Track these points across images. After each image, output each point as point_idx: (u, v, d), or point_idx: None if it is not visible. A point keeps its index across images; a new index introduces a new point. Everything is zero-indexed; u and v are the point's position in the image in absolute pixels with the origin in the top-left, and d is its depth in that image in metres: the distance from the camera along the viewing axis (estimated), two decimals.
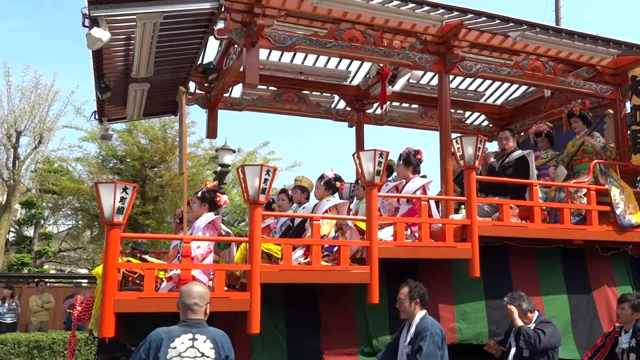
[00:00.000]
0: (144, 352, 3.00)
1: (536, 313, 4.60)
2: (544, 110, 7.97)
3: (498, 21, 5.66)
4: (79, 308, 4.96)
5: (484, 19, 5.60)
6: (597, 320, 5.90)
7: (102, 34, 4.31)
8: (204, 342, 3.04)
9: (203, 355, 3.01)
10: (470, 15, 5.55)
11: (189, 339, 3.02)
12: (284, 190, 6.36)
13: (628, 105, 6.52)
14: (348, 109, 8.04)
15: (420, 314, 4.22)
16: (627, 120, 6.55)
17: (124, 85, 6.04)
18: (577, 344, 5.67)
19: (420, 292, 4.24)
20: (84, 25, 4.35)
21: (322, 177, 5.66)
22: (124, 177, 14.66)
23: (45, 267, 20.03)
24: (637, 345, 4.79)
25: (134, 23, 4.56)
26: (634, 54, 6.39)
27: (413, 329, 4.15)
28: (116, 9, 4.29)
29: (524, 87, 8.00)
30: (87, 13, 4.28)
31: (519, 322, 4.44)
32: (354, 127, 8.05)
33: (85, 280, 14.72)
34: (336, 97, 7.97)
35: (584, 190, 6.03)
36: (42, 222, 19.71)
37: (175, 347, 2.98)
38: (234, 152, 12.55)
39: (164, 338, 3.00)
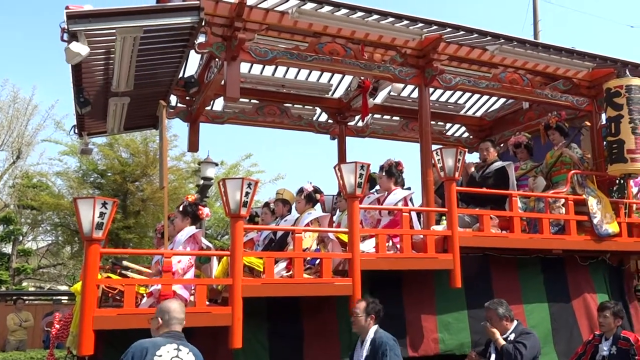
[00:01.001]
0: None
1: (515, 322, 4.61)
2: (523, 122, 8.09)
3: (476, 35, 5.76)
4: (57, 326, 4.88)
5: (462, 32, 5.69)
6: (577, 328, 5.97)
7: (81, 49, 4.28)
8: (187, 353, 3.17)
9: None
10: (448, 30, 5.63)
11: (174, 349, 3.14)
12: (267, 204, 6.36)
13: (604, 116, 6.65)
14: (330, 121, 8.09)
15: (374, 328, 4.22)
16: (602, 131, 6.68)
17: (104, 99, 6.01)
18: (558, 352, 5.72)
19: (377, 309, 4.27)
20: (62, 40, 4.33)
21: (301, 190, 5.68)
22: (105, 191, 14.51)
23: (24, 284, 19.65)
24: (617, 353, 4.84)
25: (114, 37, 4.54)
26: (608, 66, 6.54)
27: (368, 344, 4.14)
28: (95, 24, 4.27)
29: (502, 99, 8.13)
30: (66, 27, 4.25)
31: (501, 342, 4.41)
32: (336, 140, 8.09)
33: (66, 298, 14.45)
34: (318, 110, 8.01)
35: (563, 201, 6.12)
36: (21, 238, 19.34)
37: (161, 356, 3.07)
38: (216, 165, 12.50)
39: (148, 347, 3.07)
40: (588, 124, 6.80)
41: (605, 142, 6.50)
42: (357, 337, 5.04)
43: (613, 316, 4.94)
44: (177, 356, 3.12)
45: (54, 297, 14.46)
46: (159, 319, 3.27)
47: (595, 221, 6.04)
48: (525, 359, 4.30)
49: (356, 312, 4.25)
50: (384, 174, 5.83)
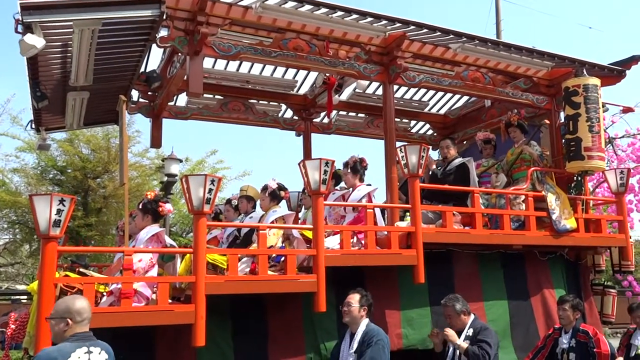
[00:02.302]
0: None
1: (472, 316, 4.70)
2: (485, 120, 8.23)
3: (439, 33, 5.81)
4: (12, 326, 4.73)
5: (425, 30, 5.74)
6: (534, 323, 6.12)
7: (37, 41, 4.13)
8: (99, 353, 2.99)
9: None
10: (412, 27, 5.67)
11: (85, 352, 2.93)
12: (229, 201, 6.29)
13: (562, 115, 6.82)
14: (295, 118, 8.07)
15: (366, 321, 4.30)
16: (561, 129, 6.85)
17: (62, 94, 5.83)
18: (515, 347, 5.86)
19: (369, 302, 4.38)
20: (17, 32, 4.17)
21: (265, 187, 5.64)
22: (65, 188, 14.12)
23: None
24: (576, 345, 4.97)
25: (71, 30, 4.40)
26: (566, 66, 6.71)
27: (359, 336, 4.20)
28: (51, 15, 4.12)
29: (465, 97, 8.25)
30: (20, 19, 4.10)
31: (464, 345, 4.48)
32: (302, 136, 8.07)
33: (24, 297, 14.03)
34: (283, 106, 7.98)
35: (523, 197, 6.25)
36: None
37: None
38: (180, 161, 12.33)
39: (57, 357, 2.84)
40: (547, 122, 6.97)
41: (563, 140, 6.67)
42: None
43: (572, 309, 5.07)
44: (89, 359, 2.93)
45: (12, 297, 14.03)
46: (68, 320, 2.98)
47: (554, 217, 6.19)
48: (491, 356, 4.39)
49: (350, 303, 4.30)
50: (349, 170, 5.84)
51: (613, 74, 6.90)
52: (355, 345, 4.17)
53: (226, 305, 4.81)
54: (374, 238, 5.21)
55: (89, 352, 2.94)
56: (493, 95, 6.84)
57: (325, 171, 4.83)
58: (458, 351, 4.54)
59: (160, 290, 4.33)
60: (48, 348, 2.96)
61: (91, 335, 3.05)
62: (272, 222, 5.29)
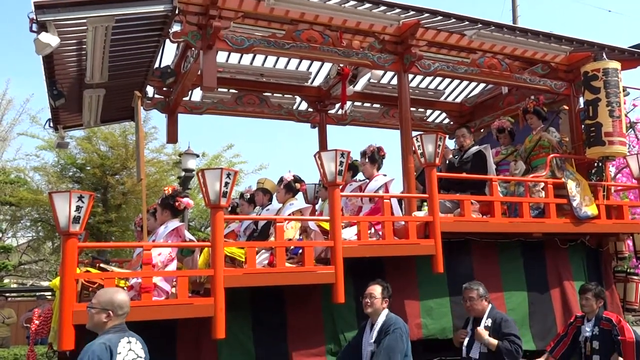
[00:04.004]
0: None
1: (490, 305, 4.66)
2: (502, 107, 8.12)
3: (454, 20, 5.73)
4: (36, 322, 4.81)
5: (440, 18, 5.66)
6: (553, 312, 6.06)
7: (51, 39, 4.17)
8: (136, 343, 3.10)
9: (139, 357, 3.06)
10: (426, 15, 5.60)
11: (127, 342, 3.05)
12: (242, 195, 6.30)
13: (581, 100, 6.70)
14: (310, 110, 8.04)
15: (385, 311, 4.32)
16: (580, 115, 6.73)
17: (78, 92, 5.89)
18: (533, 334, 5.81)
19: (390, 293, 4.41)
20: (31, 31, 4.21)
21: (281, 180, 5.64)
22: (85, 185, 14.30)
23: (6, 281, 19.35)
24: (600, 333, 4.92)
25: (85, 27, 4.43)
26: (585, 50, 6.58)
27: (379, 326, 4.22)
28: (65, 13, 4.15)
29: (482, 85, 8.14)
30: (35, 18, 4.14)
31: (493, 342, 4.41)
32: (317, 128, 8.05)
33: (49, 293, 14.27)
34: (298, 99, 7.96)
35: (542, 184, 6.17)
36: (0, 235, 19.06)
37: (120, 353, 2.98)
38: (197, 156, 12.41)
39: (110, 347, 2.96)
40: (566, 107, 6.83)
41: (583, 126, 6.56)
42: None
43: (595, 298, 5.01)
44: (130, 349, 3.05)
45: (37, 293, 14.29)
46: (110, 312, 3.10)
47: (574, 204, 6.10)
48: (521, 348, 4.37)
49: (373, 294, 4.32)
50: (367, 160, 5.81)
51: (634, 57, 6.75)
52: (374, 335, 4.20)
53: (245, 297, 4.84)
54: (392, 228, 5.19)
55: (129, 342, 3.06)
56: (510, 82, 6.74)
57: (341, 162, 4.81)
58: (473, 343, 4.51)
59: (179, 284, 4.37)
60: (97, 340, 3.03)
61: (126, 327, 3.17)
62: (290, 215, 5.29)
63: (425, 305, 5.47)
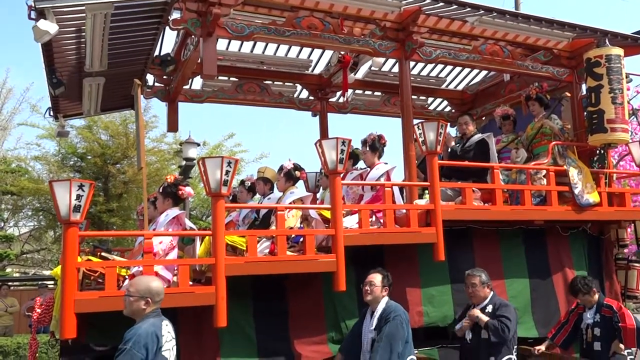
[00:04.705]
0: (139, 351, 3.00)
1: (491, 292, 4.68)
2: (504, 95, 8.07)
3: (455, 6, 5.68)
4: (38, 310, 4.82)
5: (441, 4, 5.61)
6: (555, 298, 6.08)
7: (50, 27, 4.14)
8: (168, 325, 3.30)
9: (173, 338, 3.33)
10: (428, 1, 5.55)
11: (166, 325, 3.26)
12: (242, 182, 6.29)
13: (584, 87, 6.65)
14: (311, 98, 8.01)
15: (385, 299, 4.35)
16: (583, 102, 6.68)
17: (78, 80, 5.86)
18: (535, 321, 5.83)
19: (390, 281, 4.44)
20: (30, 18, 4.17)
21: (281, 168, 5.62)
22: (86, 174, 14.30)
23: (8, 270, 19.43)
24: (601, 320, 4.95)
25: (84, 14, 4.39)
26: (588, 36, 6.52)
27: (379, 313, 4.25)
28: (63, 0, 4.12)
29: (484, 72, 8.09)
30: (33, 5, 4.11)
31: (484, 318, 4.48)
32: (318, 116, 8.02)
33: (51, 282, 14.34)
34: (298, 87, 7.91)
35: (544, 172, 6.14)
36: (2, 224, 19.10)
37: (164, 335, 3.18)
38: (198, 145, 12.37)
39: (155, 330, 3.12)
40: (568, 94, 6.80)
41: (585, 113, 6.51)
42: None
43: (588, 294, 5.06)
44: (168, 331, 3.26)
45: (40, 282, 14.35)
46: (149, 299, 3.24)
47: (576, 191, 6.08)
48: (511, 332, 4.38)
49: (373, 282, 4.35)
50: (367, 148, 5.79)
51: (637, 43, 6.70)
52: (375, 322, 4.24)
53: (247, 286, 4.84)
54: (393, 216, 5.18)
55: (167, 325, 3.29)
56: (512, 68, 6.68)
57: (342, 150, 4.79)
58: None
59: (180, 272, 4.37)
60: (142, 324, 3.15)
61: (161, 312, 3.34)
62: (290, 203, 5.28)
63: (427, 292, 5.48)
